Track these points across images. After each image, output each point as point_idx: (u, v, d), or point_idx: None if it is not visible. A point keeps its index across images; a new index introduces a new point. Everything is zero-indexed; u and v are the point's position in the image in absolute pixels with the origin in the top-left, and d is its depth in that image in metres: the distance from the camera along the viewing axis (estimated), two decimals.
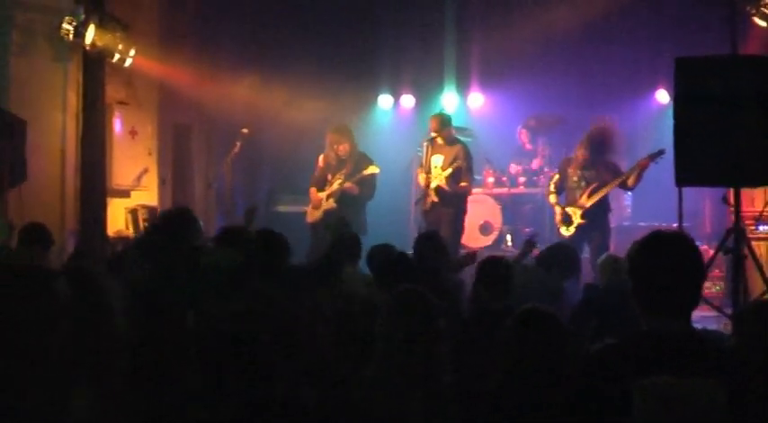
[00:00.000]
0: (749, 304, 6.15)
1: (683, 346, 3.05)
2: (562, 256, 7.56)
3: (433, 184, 10.65)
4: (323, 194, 11.26)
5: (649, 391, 2.97)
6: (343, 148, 11.20)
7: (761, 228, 9.88)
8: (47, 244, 7.67)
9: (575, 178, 10.26)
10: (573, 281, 7.64)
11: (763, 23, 9.85)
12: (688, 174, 7.23)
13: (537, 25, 12.97)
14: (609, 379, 3.06)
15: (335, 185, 11.18)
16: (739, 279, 7.23)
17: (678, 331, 3.07)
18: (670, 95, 11.54)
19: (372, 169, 11.15)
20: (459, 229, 10.83)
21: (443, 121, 10.80)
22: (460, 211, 10.83)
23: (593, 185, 10.10)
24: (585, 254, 10.14)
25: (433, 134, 10.71)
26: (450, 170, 10.61)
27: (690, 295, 3.11)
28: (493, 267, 6.10)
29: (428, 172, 10.73)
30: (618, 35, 13.29)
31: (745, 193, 9.04)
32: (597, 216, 10.13)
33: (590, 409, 3.10)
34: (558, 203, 10.40)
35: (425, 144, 10.77)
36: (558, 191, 10.46)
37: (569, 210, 10.20)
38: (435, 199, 10.66)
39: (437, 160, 10.75)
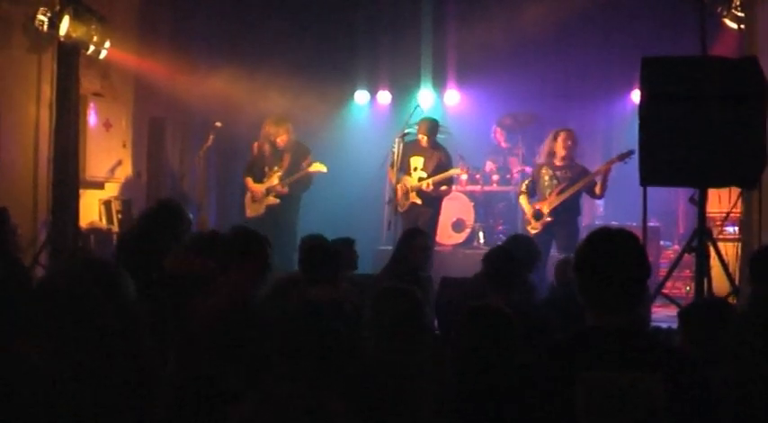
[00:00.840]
0: (693, 302, 6.21)
1: (624, 341, 3.08)
2: (523, 249, 6.97)
3: (413, 184, 10.79)
4: (262, 187, 11.33)
5: (591, 386, 3.02)
6: (281, 140, 11.31)
7: (729, 229, 9.94)
8: None
9: (546, 177, 10.35)
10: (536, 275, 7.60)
11: (733, 25, 9.91)
12: (653, 174, 7.27)
13: (513, 24, 13.03)
14: (552, 374, 3.10)
15: (275, 180, 11.25)
16: (702, 279, 7.27)
17: (620, 327, 3.11)
18: None
19: (317, 167, 11.21)
20: (435, 228, 11.03)
21: (434, 127, 10.95)
22: (437, 212, 11.07)
23: (563, 185, 10.20)
24: (553, 251, 10.25)
25: (420, 136, 10.86)
26: (439, 177, 10.81)
27: (632, 291, 3.15)
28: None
29: (406, 173, 10.84)
30: (593, 35, 13.36)
31: (713, 193, 9.10)
32: (565, 216, 10.20)
33: (534, 404, 3.13)
34: (528, 203, 10.46)
35: (397, 141, 10.90)
36: (530, 193, 10.54)
37: (539, 206, 10.28)
38: (418, 201, 10.83)
39: (418, 161, 10.90)
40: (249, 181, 11.48)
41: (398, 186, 10.95)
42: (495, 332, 3.70)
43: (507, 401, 3.38)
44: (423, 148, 10.93)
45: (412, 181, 10.86)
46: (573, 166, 10.36)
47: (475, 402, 3.71)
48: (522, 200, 10.58)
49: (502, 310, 3.80)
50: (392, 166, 11.02)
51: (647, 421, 2.98)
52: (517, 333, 3.74)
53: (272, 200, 11.28)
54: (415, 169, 10.89)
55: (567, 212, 10.22)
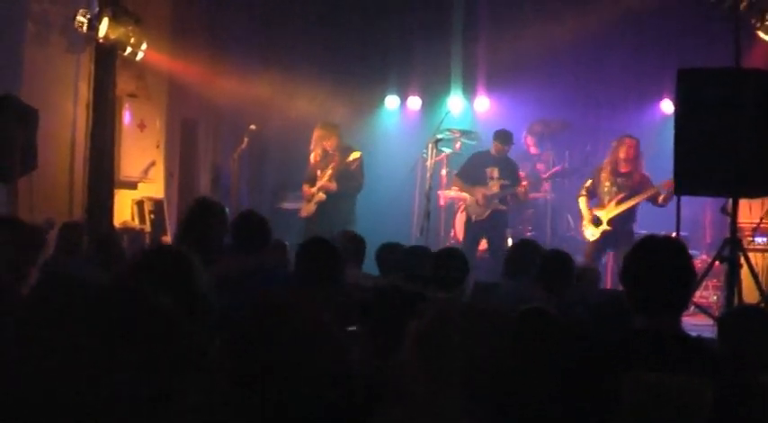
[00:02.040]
0: (731, 309, 6.27)
1: (671, 344, 3.16)
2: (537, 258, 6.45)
3: (495, 192, 11.33)
4: (314, 189, 11.46)
5: (639, 386, 3.09)
6: (330, 143, 11.45)
7: (758, 239, 9.97)
8: None
9: (607, 183, 10.45)
10: None
11: (766, 37, 9.96)
12: (687, 183, 7.35)
13: (544, 31, 13.06)
14: (600, 374, 3.17)
15: (324, 179, 11.39)
16: (733, 288, 7.32)
17: (667, 330, 3.19)
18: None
19: (354, 155, 11.37)
20: None
21: (510, 138, 11.59)
22: None
23: (624, 194, 10.29)
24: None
25: (498, 146, 11.48)
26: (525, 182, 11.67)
27: (678, 296, 3.24)
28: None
29: (481, 182, 11.37)
30: (624, 44, 13.38)
31: (744, 204, 9.14)
32: (623, 224, 10.37)
33: (582, 403, 3.21)
34: (587, 206, 10.59)
35: (430, 146, 11.18)
36: (590, 196, 10.66)
37: (598, 213, 10.39)
38: (502, 207, 11.43)
39: (494, 171, 11.43)
40: (305, 187, 11.63)
41: (473, 195, 11.41)
42: (546, 335, 3.77)
43: (554, 402, 3.44)
44: (497, 158, 11.50)
45: (491, 189, 11.33)
46: (635, 175, 10.43)
47: (519, 403, 3.77)
48: (582, 202, 10.71)
49: (551, 313, 3.88)
50: (459, 175, 11.67)
51: None
52: (566, 336, 3.81)
53: (320, 196, 11.39)
54: (492, 178, 11.35)
55: (624, 222, 10.41)
